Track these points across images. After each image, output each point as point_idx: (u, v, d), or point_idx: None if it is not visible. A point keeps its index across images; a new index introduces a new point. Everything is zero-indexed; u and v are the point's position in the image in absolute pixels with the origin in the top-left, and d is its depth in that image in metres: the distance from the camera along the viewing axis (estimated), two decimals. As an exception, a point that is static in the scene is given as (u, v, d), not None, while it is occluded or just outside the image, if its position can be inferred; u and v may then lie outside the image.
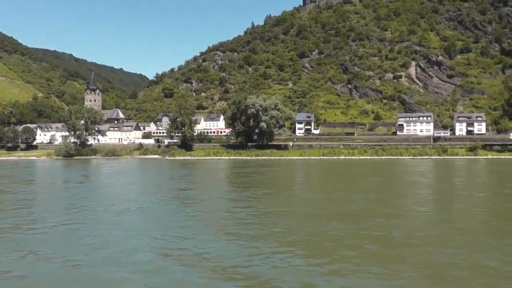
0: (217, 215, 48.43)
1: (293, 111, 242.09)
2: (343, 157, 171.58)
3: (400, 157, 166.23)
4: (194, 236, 37.37)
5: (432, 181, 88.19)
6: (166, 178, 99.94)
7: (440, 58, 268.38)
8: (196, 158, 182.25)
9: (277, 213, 48.21)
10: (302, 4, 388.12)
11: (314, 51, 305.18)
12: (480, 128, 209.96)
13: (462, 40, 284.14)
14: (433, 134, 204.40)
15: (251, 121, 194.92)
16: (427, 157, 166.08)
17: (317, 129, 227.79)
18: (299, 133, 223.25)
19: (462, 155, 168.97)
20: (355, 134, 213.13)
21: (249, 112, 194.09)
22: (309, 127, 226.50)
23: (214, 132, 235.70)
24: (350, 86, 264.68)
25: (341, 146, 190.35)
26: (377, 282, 26.10)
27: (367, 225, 40.81)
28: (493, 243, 34.59)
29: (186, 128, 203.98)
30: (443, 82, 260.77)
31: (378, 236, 36.62)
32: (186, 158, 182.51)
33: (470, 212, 48.84)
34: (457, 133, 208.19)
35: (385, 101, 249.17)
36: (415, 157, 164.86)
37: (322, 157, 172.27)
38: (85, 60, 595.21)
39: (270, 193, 66.31)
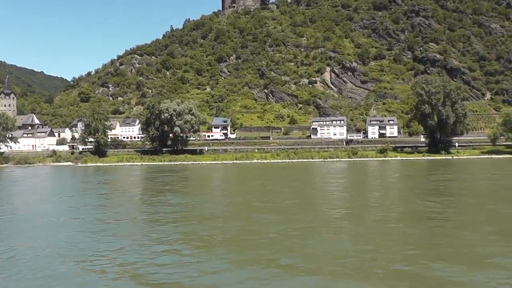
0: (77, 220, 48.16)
1: (210, 115, 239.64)
2: (255, 160, 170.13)
3: (311, 160, 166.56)
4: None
5: (316, 181, 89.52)
6: (61, 185, 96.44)
7: (354, 64, 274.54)
8: (108, 164, 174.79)
9: (133, 218, 48.18)
10: (221, 9, 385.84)
11: (232, 56, 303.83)
12: (392, 131, 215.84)
13: (376, 47, 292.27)
14: (346, 137, 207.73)
15: (165, 126, 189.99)
16: (337, 159, 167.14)
17: (234, 133, 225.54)
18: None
19: (372, 157, 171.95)
20: (271, 138, 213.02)
21: (162, 117, 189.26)
22: (226, 131, 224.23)
23: (133, 137, 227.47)
24: (266, 91, 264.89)
25: (256, 150, 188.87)
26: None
27: (201, 227, 41.92)
28: (294, 242, 35.00)
29: (99, 133, 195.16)
30: (357, 87, 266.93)
31: (204, 235, 38.52)
32: (98, 164, 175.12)
33: (316, 212, 49.28)
34: (370, 136, 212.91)
35: (300, 105, 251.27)
36: (325, 160, 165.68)
37: (235, 161, 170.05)
38: (4, 62, 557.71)
39: (144, 199, 65.27)
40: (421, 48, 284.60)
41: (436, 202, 55.35)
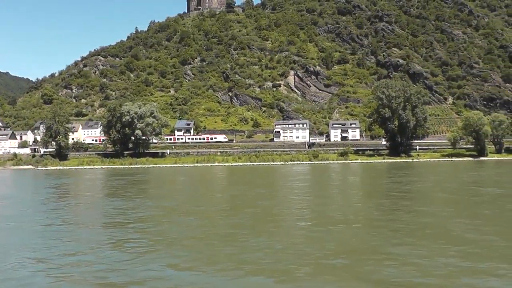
0: None
1: (174, 118, 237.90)
2: (217, 163, 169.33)
3: (272, 163, 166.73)
4: None
5: (264, 184, 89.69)
6: (9, 189, 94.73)
7: (318, 68, 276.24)
8: (68, 168, 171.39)
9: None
10: (186, 11, 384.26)
11: (196, 58, 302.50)
12: (354, 134, 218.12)
13: (339, 51, 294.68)
14: (309, 140, 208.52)
15: (127, 128, 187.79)
16: (298, 162, 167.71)
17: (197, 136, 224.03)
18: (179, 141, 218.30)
19: (333, 160, 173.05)
20: (234, 141, 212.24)
21: (124, 119, 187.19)
22: (189, 134, 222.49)
23: (95, 140, 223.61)
24: (230, 94, 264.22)
25: (218, 153, 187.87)
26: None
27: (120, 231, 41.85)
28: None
29: (61, 136, 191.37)
30: (320, 91, 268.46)
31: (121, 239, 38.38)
32: (59, 168, 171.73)
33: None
34: (332, 139, 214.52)
35: (264, 108, 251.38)
36: (286, 163, 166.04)
37: (196, 164, 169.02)
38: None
39: (83, 204, 65.04)
40: (384, 53, 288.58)
41: (370, 204, 56.49)
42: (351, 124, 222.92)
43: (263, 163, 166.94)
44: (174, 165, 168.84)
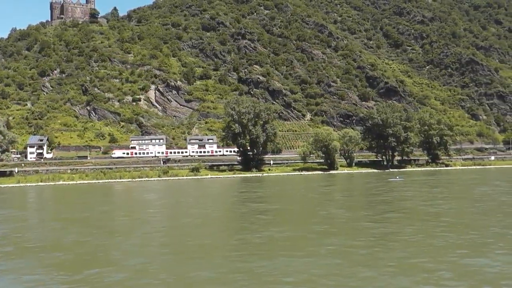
0: None
1: (30, 133, 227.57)
2: (62, 182, 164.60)
3: (118, 180, 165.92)
4: None
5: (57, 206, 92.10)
6: None
7: (179, 83, 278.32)
8: None
9: None
10: (49, 19, 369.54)
11: (55, 70, 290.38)
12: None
13: (202, 67, 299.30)
14: (164, 156, 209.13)
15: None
16: (146, 179, 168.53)
17: (50, 153, 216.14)
18: (31, 158, 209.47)
19: (183, 176, 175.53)
20: (88, 158, 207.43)
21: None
22: (41, 151, 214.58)
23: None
24: (89, 108, 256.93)
25: (69, 171, 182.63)
26: None
27: None
28: None
29: None
30: (181, 106, 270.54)
31: None
32: None
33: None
34: (189, 154, 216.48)
35: (123, 123, 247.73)
36: (134, 179, 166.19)
37: (39, 183, 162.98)
38: None
39: None
40: (246, 70, 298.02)
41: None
42: (208, 139, 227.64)
43: (109, 180, 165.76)
44: (16, 185, 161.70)
